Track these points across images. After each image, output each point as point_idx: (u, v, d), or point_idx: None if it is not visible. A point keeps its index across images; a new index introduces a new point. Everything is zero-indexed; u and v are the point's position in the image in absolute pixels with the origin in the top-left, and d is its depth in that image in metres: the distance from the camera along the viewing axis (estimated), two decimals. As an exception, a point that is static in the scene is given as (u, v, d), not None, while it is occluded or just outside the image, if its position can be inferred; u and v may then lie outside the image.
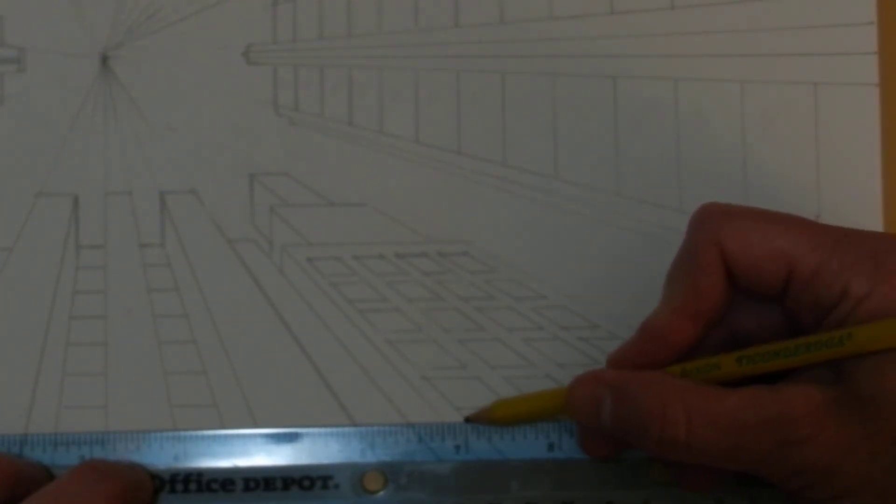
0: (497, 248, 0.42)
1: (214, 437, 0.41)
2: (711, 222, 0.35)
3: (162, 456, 0.40)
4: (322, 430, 0.41)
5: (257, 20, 0.43)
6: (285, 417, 0.41)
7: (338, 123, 0.43)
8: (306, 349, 0.42)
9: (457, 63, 0.43)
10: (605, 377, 0.37)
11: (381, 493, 0.40)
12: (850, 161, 0.42)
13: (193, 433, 0.41)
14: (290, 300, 0.42)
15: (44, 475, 0.40)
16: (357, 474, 0.40)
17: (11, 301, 0.42)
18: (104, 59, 0.43)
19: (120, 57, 0.43)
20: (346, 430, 0.41)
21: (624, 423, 0.35)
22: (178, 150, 0.43)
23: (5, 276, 0.42)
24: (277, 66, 0.43)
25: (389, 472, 0.40)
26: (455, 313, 0.42)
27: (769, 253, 0.34)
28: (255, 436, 0.41)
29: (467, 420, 0.41)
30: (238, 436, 0.41)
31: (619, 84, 0.43)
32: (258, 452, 0.41)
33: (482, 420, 0.40)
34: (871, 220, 0.42)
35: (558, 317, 0.42)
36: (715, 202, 0.36)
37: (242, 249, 0.42)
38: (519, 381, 0.42)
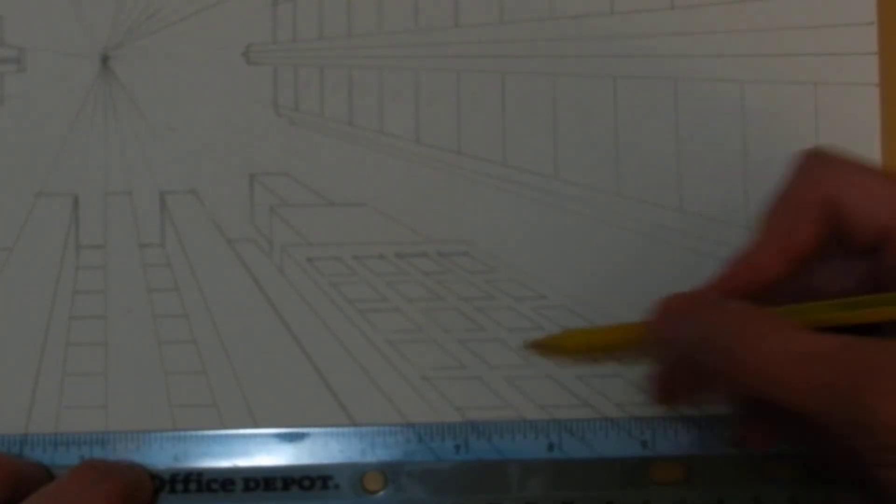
0: (497, 248, 0.42)
1: (214, 437, 0.41)
2: (817, 163, 0.35)
3: (162, 456, 0.40)
4: (322, 430, 0.41)
5: (257, 20, 0.43)
6: (285, 417, 0.41)
7: (338, 123, 0.43)
8: (306, 349, 0.42)
9: (457, 63, 0.43)
10: (693, 297, 0.36)
11: (381, 493, 0.40)
12: (850, 161, 0.42)
13: (193, 433, 0.41)
14: (290, 300, 0.42)
15: (44, 475, 0.40)
16: (357, 474, 0.40)
17: (11, 301, 0.42)
18: (104, 59, 0.43)
19: (120, 57, 0.43)
20: (346, 430, 0.41)
21: (707, 344, 0.34)
22: (178, 150, 0.43)
23: (5, 276, 0.42)
24: (277, 66, 0.43)
25: (389, 472, 0.40)
26: (455, 313, 0.42)
27: (870, 204, 0.34)
28: (255, 436, 0.41)
29: (527, 346, 0.40)
30: (238, 436, 0.41)
31: (619, 84, 0.43)
32: (258, 452, 0.41)
33: (547, 349, 0.40)
34: (871, 220, 0.42)
35: (558, 317, 0.42)
36: (825, 147, 0.35)
37: (242, 249, 0.42)
38: (519, 381, 0.42)
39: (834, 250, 0.35)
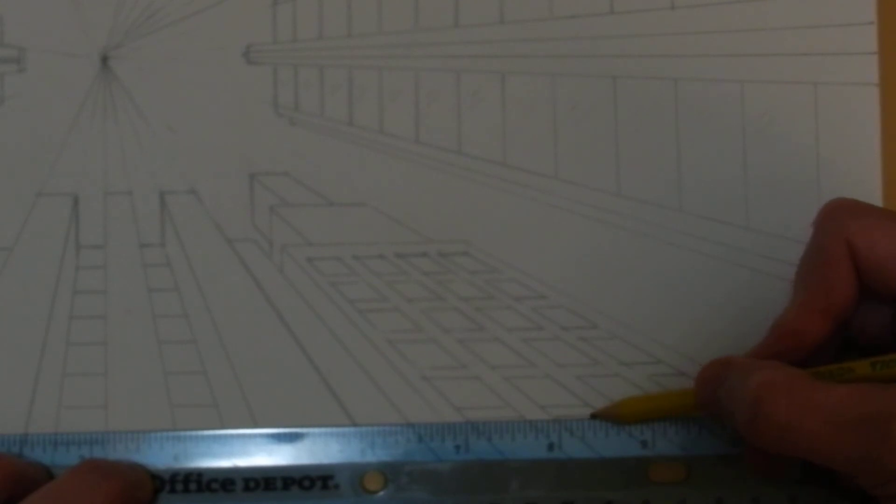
0: (497, 248, 0.42)
1: (214, 437, 0.41)
2: (839, 218, 0.35)
3: (162, 456, 0.40)
4: (322, 430, 0.41)
5: (257, 20, 0.43)
6: (285, 417, 0.41)
7: (338, 123, 0.43)
8: (306, 349, 0.42)
9: (457, 63, 0.43)
10: (730, 360, 0.36)
11: (381, 493, 0.40)
12: (850, 161, 0.42)
13: (193, 433, 0.41)
14: (290, 300, 0.42)
15: (44, 475, 0.40)
16: (357, 474, 0.40)
17: (11, 301, 0.42)
18: (104, 59, 0.43)
19: (120, 57, 0.43)
20: (347, 430, 0.41)
21: (730, 402, 0.34)
22: (178, 150, 0.43)
23: (5, 276, 0.42)
24: (277, 66, 0.43)
25: (389, 472, 0.40)
26: (455, 313, 0.42)
27: (894, 251, 0.34)
28: (255, 436, 0.41)
29: (593, 416, 0.41)
30: (238, 436, 0.41)
31: (619, 84, 0.43)
32: (258, 452, 0.41)
33: (609, 417, 0.40)
34: (871, 220, 0.42)
35: (558, 317, 0.42)
36: (843, 198, 0.36)
37: (242, 249, 0.42)
38: (519, 381, 0.42)
39: (873, 296, 0.36)
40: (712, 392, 0.36)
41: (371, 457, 0.41)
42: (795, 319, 0.36)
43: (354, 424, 0.41)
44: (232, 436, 0.41)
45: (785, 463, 0.37)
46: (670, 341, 0.42)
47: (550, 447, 0.40)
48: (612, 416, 0.40)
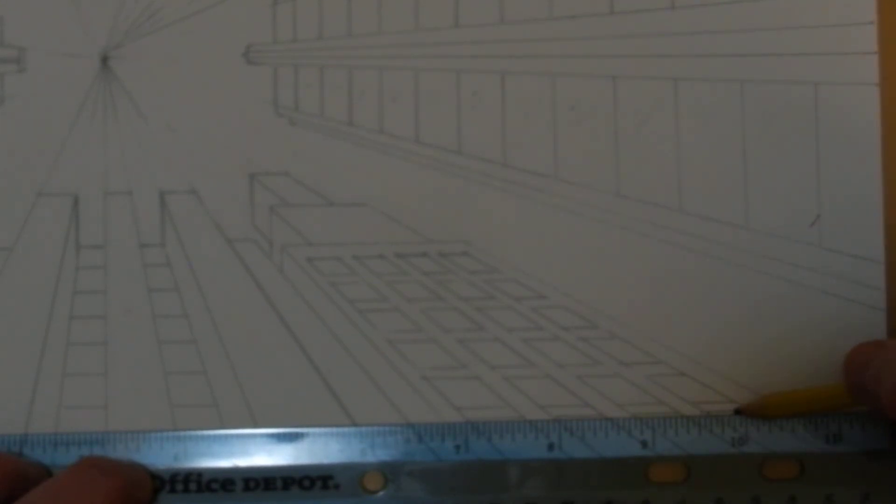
0: (497, 248, 0.42)
1: (214, 437, 0.41)
2: None
3: (162, 456, 0.40)
4: (322, 430, 0.41)
5: (257, 20, 0.43)
6: (285, 417, 0.41)
7: (338, 123, 0.43)
8: (306, 349, 0.42)
9: (457, 63, 0.43)
10: (884, 343, 0.36)
11: (381, 493, 0.40)
12: (850, 161, 0.42)
13: (193, 433, 0.41)
14: (290, 300, 0.42)
15: (44, 475, 0.40)
16: (357, 474, 0.40)
17: (11, 301, 0.42)
18: (104, 59, 0.43)
19: (120, 57, 0.43)
20: (346, 430, 0.41)
21: (874, 384, 0.33)
22: (178, 150, 0.43)
23: (5, 276, 0.42)
24: (277, 66, 0.43)
25: (389, 472, 0.40)
26: (455, 313, 0.42)
27: None
28: (255, 436, 0.41)
29: (737, 412, 0.40)
30: (238, 436, 0.41)
31: (619, 84, 0.43)
32: (258, 452, 0.41)
33: (756, 413, 0.40)
34: (871, 220, 0.42)
35: (558, 317, 0.42)
36: None
37: (242, 249, 0.42)
38: (519, 381, 0.42)
39: None
40: (861, 372, 0.35)
41: (371, 457, 0.41)
42: None
43: (354, 424, 0.41)
44: (232, 436, 0.41)
45: None
46: (670, 341, 0.42)
47: (550, 447, 0.40)
48: (759, 412, 0.40)
